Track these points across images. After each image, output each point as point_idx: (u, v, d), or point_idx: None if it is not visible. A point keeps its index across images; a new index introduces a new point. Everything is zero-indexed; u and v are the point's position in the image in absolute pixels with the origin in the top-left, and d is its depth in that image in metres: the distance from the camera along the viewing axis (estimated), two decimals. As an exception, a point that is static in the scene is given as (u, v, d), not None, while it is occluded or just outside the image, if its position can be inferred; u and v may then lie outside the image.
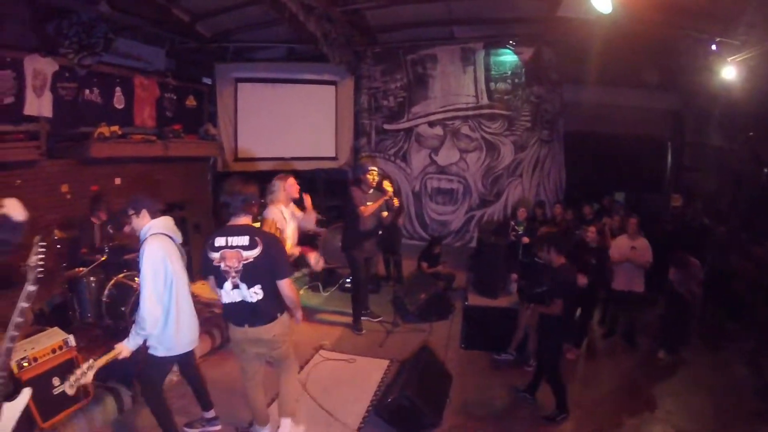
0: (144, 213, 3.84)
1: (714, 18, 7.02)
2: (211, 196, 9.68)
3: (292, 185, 5.46)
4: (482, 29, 9.36)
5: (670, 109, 9.55)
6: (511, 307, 6.50)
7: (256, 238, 3.64)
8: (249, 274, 3.65)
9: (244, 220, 3.77)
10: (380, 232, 8.71)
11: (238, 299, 3.70)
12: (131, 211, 3.84)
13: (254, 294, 3.68)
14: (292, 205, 5.55)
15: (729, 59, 7.08)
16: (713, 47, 7.37)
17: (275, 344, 3.90)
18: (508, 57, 9.69)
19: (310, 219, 5.82)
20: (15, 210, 2.55)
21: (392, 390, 4.72)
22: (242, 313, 3.75)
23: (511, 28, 9.17)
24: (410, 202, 10.30)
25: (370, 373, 5.60)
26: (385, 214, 6.89)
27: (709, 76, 7.71)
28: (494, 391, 5.40)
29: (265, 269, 3.67)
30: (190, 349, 4.07)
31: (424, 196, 10.32)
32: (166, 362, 3.93)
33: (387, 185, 8.02)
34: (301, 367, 5.62)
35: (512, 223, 8.76)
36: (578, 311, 6.24)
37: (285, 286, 3.75)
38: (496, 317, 6.50)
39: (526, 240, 8.04)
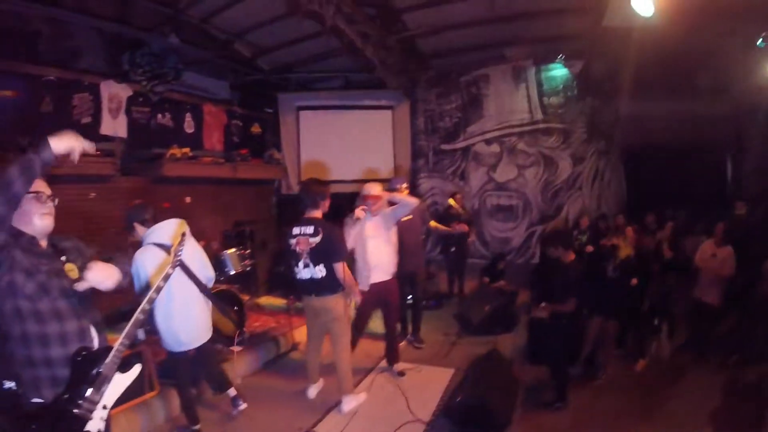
0: (135, 226, 4.01)
1: (756, 14, 6.69)
2: (275, 217, 9.77)
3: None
4: (531, 48, 9.18)
5: (727, 115, 8.95)
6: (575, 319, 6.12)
7: (319, 228, 4.52)
8: (314, 256, 4.53)
9: (314, 213, 4.61)
10: (452, 249, 8.59)
11: (308, 276, 4.59)
12: (126, 229, 4.11)
13: (319, 271, 4.55)
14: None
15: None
16: (759, 43, 7.00)
17: (331, 314, 4.66)
18: (558, 72, 9.45)
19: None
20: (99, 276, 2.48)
21: (461, 391, 4.50)
22: (311, 286, 4.63)
23: (559, 44, 8.98)
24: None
25: (435, 381, 5.35)
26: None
27: (762, 76, 7.30)
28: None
29: (325, 252, 4.53)
30: (187, 348, 4.16)
31: (484, 213, 10.02)
32: (175, 355, 4.17)
33: (452, 202, 8.09)
34: (366, 374, 5.53)
35: (575, 232, 8.40)
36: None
37: (338, 267, 4.57)
38: (561, 330, 6.12)
39: (590, 249, 7.65)
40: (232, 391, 4.62)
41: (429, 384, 5.25)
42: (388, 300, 5.36)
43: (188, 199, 7.57)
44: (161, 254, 3.80)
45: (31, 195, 2.24)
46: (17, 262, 2.14)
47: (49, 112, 5.79)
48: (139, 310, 2.38)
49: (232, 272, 6.37)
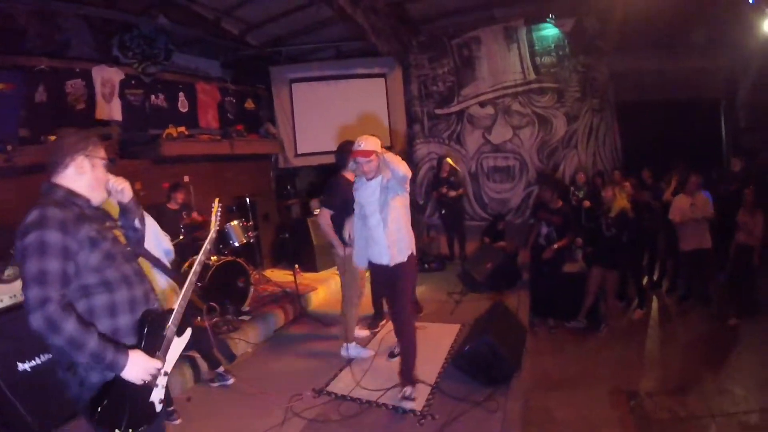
0: None
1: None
2: (275, 191, 9.79)
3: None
4: (521, 7, 9.02)
5: (720, 70, 8.83)
6: (578, 272, 6.17)
7: None
8: None
9: (348, 173, 4.82)
10: (443, 211, 8.67)
11: None
12: None
13: None
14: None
15: (768, 11, 6.49)
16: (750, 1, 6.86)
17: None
18: (550, 31, 9.29)
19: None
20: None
21: (470, 340, 4.52)
22: None
23: (549, 2, 8.82)
24: (468, 183, 9.95)
25: (442, 336, 5.40)
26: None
27: (754, 31, 7.18)
28: (567, 357, 5.10)
29: None
30: None
31: (481, 175, 9.99)
32: None
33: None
34: (372, 336, 5.59)
35: (572, 188, 8.40)
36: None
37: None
38: (563, 284, 6.18)
39: (587, 204, 7.67)
40: (220, 369, 4.64)
41: (436, 339, 5.31)
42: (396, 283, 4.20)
43: (187, 178, 7.49)
44: None
45: (105, 161, 2.21)
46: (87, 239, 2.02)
47: (44, 102, 5.75)
48: (192, 271, 2.36)
49: (237, 244, 6.39)
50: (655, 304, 6.64)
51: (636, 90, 9.11)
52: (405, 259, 4.06)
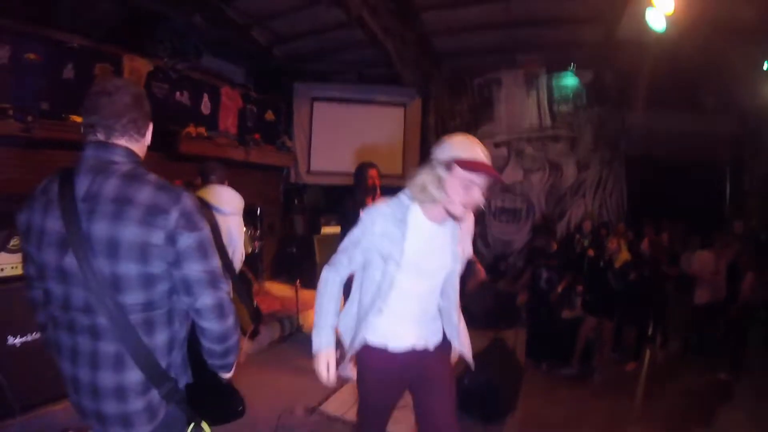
0: (199, 179, 3.93)
1: (764, 35, 6.58)
2: (282, 204, 9.60)
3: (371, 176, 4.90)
4: (544, 54, 9.09)
5: (729, 134, 8.85)
6: (575, 319, 6.00)
7: None
8: None
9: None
10: None
11: None
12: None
13: None
14: None
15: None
16: (765, 67, 6.88)
17: None
18: (569, 80, 9.32)
19: None
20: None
21: (467, 375, 4.24)
22: None
23: (571, 53, 8.87)
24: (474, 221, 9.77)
25: None
26: None
27: (766, 98, 7.20)
28: (558, 402, 4.93)
29: None
30: None
31: (488, 214, 9.84)
32: None
33: None
34: None
35: (577, 235, 8.25)
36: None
37: None
38: (560, 329, 6.00)
39: (591, 252, 7.48)
40: None
41: None
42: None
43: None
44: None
45: None
46: None
47: (70, 79, 5.55)
48: None
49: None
50: (648, 357, 6.49)
51: (645, 146, 9.07)
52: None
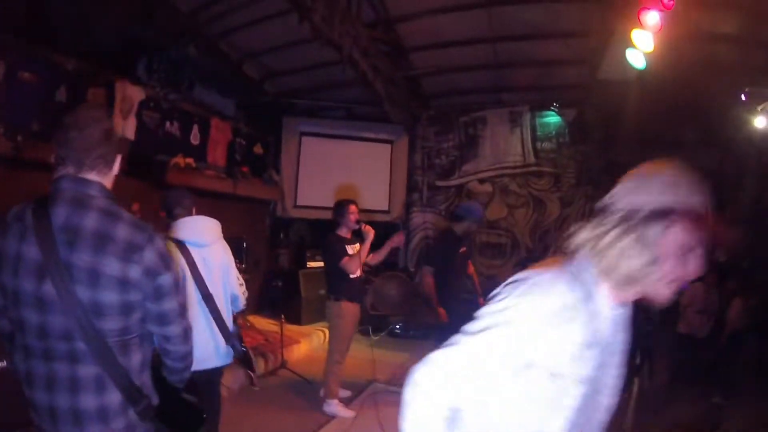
0: (164, 215, 3.36)
1: (744, 69, 6.79)
2: (269, 237, 9.47)
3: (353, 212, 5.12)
4: (528, 95, 9.27)
5: (711, 167, 9.04)
6: None
7: None
8: None
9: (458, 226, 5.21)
10: None
11: None
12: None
13: None
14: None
15: (759, 108, 6.70)
16: (743, 97, 7.08)
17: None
18: (552, 118, 9.46)
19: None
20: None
21: None
22: None
23: (555, 93, 9.05)
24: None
25: None
26: None
27: (744, 130, 7.37)
28: None
29: None
30: (210, 366, 3.22)
31: (474, 250, 9.79)
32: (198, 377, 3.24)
33: None
34: (354, 397, 5.33)
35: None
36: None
37: None
38: None
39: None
40: None
41: None
42: None
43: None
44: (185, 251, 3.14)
45: None
46: None
47: (63, 102, 5.47)
48: None
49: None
50: (636, 388, 6.38)
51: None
52: None
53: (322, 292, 8.06)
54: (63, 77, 5.47)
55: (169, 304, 1.73)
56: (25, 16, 5.03)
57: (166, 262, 1.71)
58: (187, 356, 1.90)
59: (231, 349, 3.32)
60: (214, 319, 3.21)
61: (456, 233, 5.28)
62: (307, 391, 5.40)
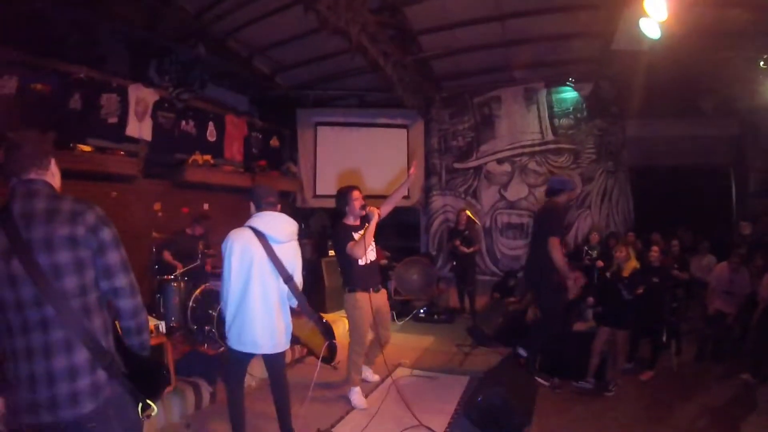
0: (252, 205, 3.58)
1: (759, 35, 6.54)
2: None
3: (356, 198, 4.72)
4: (541, 71, 9.09)
5: (730, 136, 8.78)
6: (587, 331, 5.82)
7: None
8: None
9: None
10: (455, 263, 8.41)
11: None
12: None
13: None
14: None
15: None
16: (762, 64, 6.81)
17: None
18: (568, 94, 9.28)
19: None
20: None
21: (481, 391, 4.19)
22: None
23: (569, 67, 8.86)
24: (482, 238, 9.66)
25: (451, 387, 5.07)
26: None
27: (764, 97, 7.14)
28: (575, 419, 4.63)
29: None
30: (257, 351, 3.48)
31: (495, 231, 9.73)
32: (237, 355, 3.50)
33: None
34: (380, 382, 5.25)
35: (585, 248, 8.13)
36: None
37: None
38: (571, 343, 5.81)
39: (600, 264, 7.33)
40: None
41: (446, 390, 4.98)
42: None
43: (206, 206, 7.31)
44: (256, 241, 3.38)
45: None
46: None
47: (77, 110, 5.60)
48: None
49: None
50: (663, 365, 6.25)
51: (648, 155, 9.05)
52: None
53: (346, 279, 8.18)
54: (76, 86, 5.61)
55: (112, 256, 1.97)
56: (32, 29, 5.13)
57: (105, 221, 1.97)
58: (137, 313, 2.07)
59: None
60: (298, 299, 3.56)
61: (562, 205, 5.34)
62: (333, 377, 5.40)
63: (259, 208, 3.53)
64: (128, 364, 2.05)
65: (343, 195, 4.77)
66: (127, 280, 2.02)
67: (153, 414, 2.11)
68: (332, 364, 5.08)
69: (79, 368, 1.88)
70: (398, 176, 9.61)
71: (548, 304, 5.25)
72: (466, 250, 8.22)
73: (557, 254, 4.87)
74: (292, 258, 3.55)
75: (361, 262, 4.61)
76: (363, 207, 4.64)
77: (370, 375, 5.20)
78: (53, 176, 2.04)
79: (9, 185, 1.97)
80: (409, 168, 9.51)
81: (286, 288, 3.53)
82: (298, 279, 3.61)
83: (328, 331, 4.12)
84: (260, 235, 3.38)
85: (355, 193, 4.71)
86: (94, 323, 1.93)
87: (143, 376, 2.09)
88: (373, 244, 4.73)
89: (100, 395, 1.92)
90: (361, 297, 4.61)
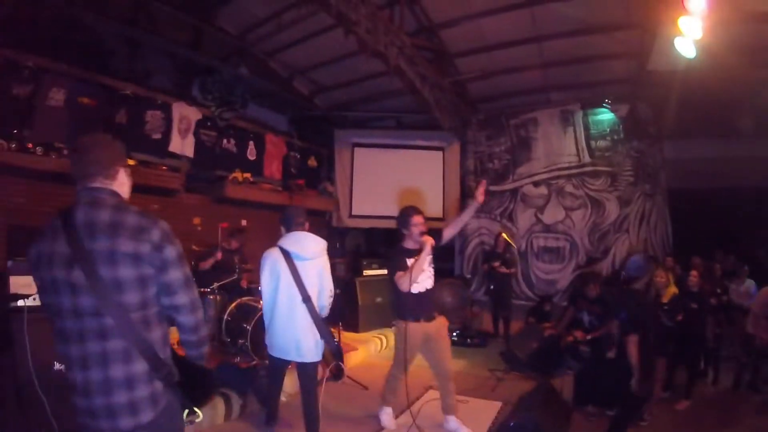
0: (282, 229, 3.88)
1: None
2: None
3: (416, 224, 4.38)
4: (578, 93, 9.01)
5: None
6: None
7: None
8: None
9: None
10: (492, 287, 8.27)
11: None
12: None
13: None
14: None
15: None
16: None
17: None
18: (605, 115, 9.10)
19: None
20: None
21: (514, 416, 4.11)
22: None
23: (605, 88, 8.73)
24: (518, 261, 9.47)
25: (482, 412, 4.96)
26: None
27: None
28: None
29: None
30: (285, 357, 3.79)
31: (531, 255, 9.55)
32: (272, 360, 3.91)
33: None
34: (411, 403, 5.02)
35: (623, 273, 7.88)
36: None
37: None
38: (606, 370, 5.60)
39: (638, 288, 7.11)
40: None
41: (477, 415, 4.86)
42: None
43: (244, 222, 7.43)
44: (281, 258, 3.69)
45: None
46: None
47: (123, 124, 5.81)
48: None
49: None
50: (699, 394, 5.97)
51: (687, 177, 8.75)
52: None
53: (379, 299, 8.13)
54: (122, 101, 5.84)
55: (174, 274, 1.93)
56: (81, 44, 5.37)
57: (170, 238, 1.93)
58: (198, 329, 2.06)
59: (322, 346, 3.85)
60: (312, 318, 3.67)
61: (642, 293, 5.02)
62: (363, 397, 5.36)
63: (289, 230, 3.83)
64: (180, 370, 2.03)
65: (404, 217, 4.40)
66: (188, 297, 1.99)
67: (198, 420, 2.14)
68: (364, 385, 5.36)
69: (138, 378, 1.86)
70: (433, 198, 9.61)
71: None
72: (506, 270, 8.10)
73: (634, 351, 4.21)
74: (315, 275, 3.73)
75: (414, 290, 4.23)
76: (422, 233, 4.27)
77: (387, 419, 4.73)
78: (121, 186, 2.02)
79: (76, 190, 1.94)
80: (444, 190, 9.64)
81: (321, 303, 3.79)
82: (326, 294, 3.82)
83: (337, 353, 4.14)
84: (286, 254, 3.66)
85: (416, 218, 4.34)
86: (153, 335, 1.90)
87: (193, 382, 2.08)
88: (431, 270, 4.43)
89: (158, 405, 1.90)
90: (409, 327, 4.24)
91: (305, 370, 3.81)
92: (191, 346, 2.09)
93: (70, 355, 1.83)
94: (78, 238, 1.81)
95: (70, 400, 3.10)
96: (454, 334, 8.13)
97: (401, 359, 4.32)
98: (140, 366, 1.86)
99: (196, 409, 2.07)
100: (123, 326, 1.82)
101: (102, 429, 1.84)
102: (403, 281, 4.15)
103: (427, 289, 4.38)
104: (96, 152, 1.95)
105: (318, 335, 3.73)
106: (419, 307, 4.32)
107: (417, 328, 4.25)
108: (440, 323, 4.50)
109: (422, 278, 4.30)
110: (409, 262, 4.26)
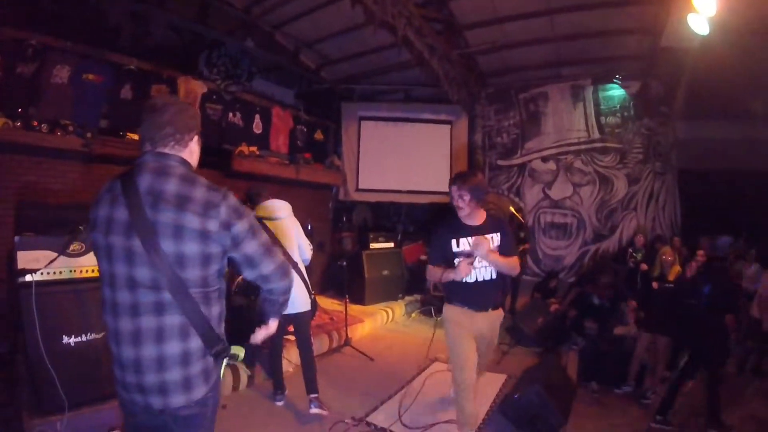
0: (249, 206, 4.33)
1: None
2: (332, 221, 9.63)
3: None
4: (590, 68, 8.78)
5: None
6: (627, 336, 5.63)
7: None
8: None
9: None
10: None
11: None
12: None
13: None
14: None
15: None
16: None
17: None
18: (616, 91, 8.92)
19: None
20: None
21: (519, 388, 4.24)
22: None
23: (617, 64, 8.51)
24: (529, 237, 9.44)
25: (487, 384, 4.99)
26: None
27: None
28: (611, 425, 4.53)
29: None
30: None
31: (538, 230, 9.49)
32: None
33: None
34: (416, 375, 5.32)
35: (630, 250, 7.86)
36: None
37: None
38: (612, 348, 5.63)
39: (644, 267, 7.07)
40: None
41: (482, 387, 4.83)
42: None
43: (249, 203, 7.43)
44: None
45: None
46: None
47: (128, 99, 5.77)
48: None
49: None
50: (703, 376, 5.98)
51: (698, 156, 8.54)
52: None
53: (386, 272, 8.19)
54: (127, 76, 5.80)
55: (250, 247, 1.86)
56: (85, 20, 5.30)
57: (239, 213, 1.83)
58: (289, 289, 2.05)
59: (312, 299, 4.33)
60: (297, 272, 4.04)
61: None
62: (369, 369, 5.44)
63: (255, 203, 4.44)
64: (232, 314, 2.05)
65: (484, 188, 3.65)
66: (274, 264, 1.92)
67: (239, 359, 2.18)
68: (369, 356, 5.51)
69: (193, 354, 1.80)
70: (440, 172, 9.52)
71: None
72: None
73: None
74: (294, 235, 4.34)
75: (469, 279, 3.53)
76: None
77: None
78: (191, 154, 1.94)
79: (141, 151, 1.84)
80: (451, 164, 9.53)
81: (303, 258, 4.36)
82: (307, 248, 4.43)
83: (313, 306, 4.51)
84: (260, 221, 3.80)
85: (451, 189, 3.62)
86: (212, 311, 1.83)
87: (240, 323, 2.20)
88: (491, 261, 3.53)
89: (210, 380, 1.86)
90: (457, 310, 3.67)
91: (302, 319, 4.27)
92: (276, 305, 2.06)
93: (120, 330, 1.77)
94: (140, 205, 1.72)
95: (77, 370, 3.18)
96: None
97: (457, 351, 3.63)
98: (195, 342, 1.80)
99: (235, 351, 2.07)
100: (182, 302, 1.74)
101: (152, 405, 1.79)
102: (433, 275, 3.60)
103: (485, 280, 3.58)
104: (171, 115, 1.84)
105: (305, 288, 4.18)
106: (474, 296, 3.63)
107: (466, 313, 3.64)
108: (492, 317, 3.77)
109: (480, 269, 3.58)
110: (463, 242, 3.54)
